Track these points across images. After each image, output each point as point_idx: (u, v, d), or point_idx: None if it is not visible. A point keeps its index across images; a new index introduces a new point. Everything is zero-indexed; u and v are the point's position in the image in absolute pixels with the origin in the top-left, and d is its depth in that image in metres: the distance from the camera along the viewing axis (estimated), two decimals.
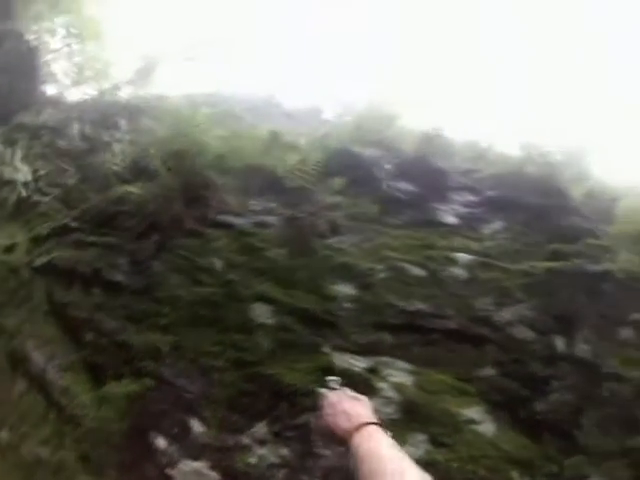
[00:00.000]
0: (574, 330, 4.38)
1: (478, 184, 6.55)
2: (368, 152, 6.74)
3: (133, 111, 9.94)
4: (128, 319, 4.19)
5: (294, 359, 3.70)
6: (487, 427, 3.70)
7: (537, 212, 5.94)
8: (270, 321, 3.94)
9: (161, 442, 3.51)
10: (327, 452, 3.26)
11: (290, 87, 14.82)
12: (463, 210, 5.96)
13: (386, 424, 3.61)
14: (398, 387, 3.62)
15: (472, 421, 3.65)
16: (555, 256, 4.92)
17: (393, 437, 1.43)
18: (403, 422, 3.45)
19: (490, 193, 6.27)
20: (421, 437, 3.43)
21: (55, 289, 4.73)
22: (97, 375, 3.96)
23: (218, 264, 4.41)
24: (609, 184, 8.05)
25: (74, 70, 18.22)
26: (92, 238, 5.08)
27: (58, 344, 4.29)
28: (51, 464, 3.61)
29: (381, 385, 3.60)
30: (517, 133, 8.34)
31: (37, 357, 4.22)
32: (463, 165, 7.34)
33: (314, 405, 3.28)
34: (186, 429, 3.53)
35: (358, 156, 6.38)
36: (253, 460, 3.30)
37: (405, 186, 5.99)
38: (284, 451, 3.31)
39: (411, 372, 3.79)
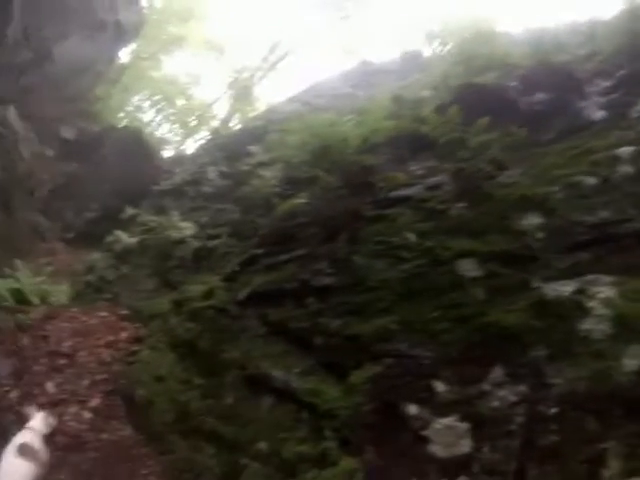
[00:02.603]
0: None
1: None
2: None
3: (257, 134, 10.44)
4: (349, 314, 4.54)
5: (507, 302, 3.89)
6: None
7: None
8: (476, 273, 4.17)
9: (412, 409, 3.79)
10: None
11: None
12: None
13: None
14: None
15: None
16: None
17: None
18: None
19: None
20: None
21: (267, 312, 5.16)
22: (338, 371, 4.33)
23: (411, 237, 4.64)
24: None
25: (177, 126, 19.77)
26: (283, 257, 5.48)
27: (291, 356, 4.72)
28: (313, 456, 4.01)
29: None
30: None
31: (277, 373, 4.66)
32: None
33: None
34: (431, 391, 3.78)
35: None
36: (495, 403, 3.48)
37: None
38: (522, 388, 3.45)
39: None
